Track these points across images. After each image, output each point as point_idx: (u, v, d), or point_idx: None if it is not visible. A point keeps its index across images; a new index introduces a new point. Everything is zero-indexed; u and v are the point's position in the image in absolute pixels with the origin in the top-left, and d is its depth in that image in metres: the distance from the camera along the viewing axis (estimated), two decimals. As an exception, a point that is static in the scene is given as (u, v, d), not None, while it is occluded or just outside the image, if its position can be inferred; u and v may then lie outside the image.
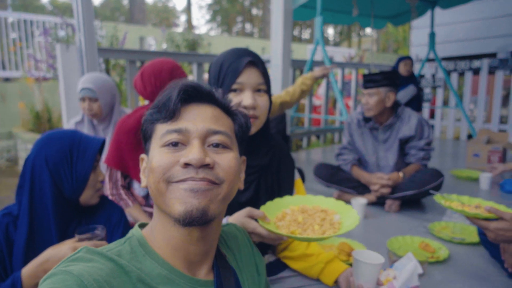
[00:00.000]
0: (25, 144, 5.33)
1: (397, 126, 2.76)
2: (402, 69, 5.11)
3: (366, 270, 1.22)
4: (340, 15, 5.76)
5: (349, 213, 1.02)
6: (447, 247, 2.04)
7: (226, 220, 1.05)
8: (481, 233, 1.84)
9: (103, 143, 1.22)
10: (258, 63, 1.19)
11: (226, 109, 0.79)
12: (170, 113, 0.71)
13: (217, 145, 0.72)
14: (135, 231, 0.75)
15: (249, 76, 1.17)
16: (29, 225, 1.09)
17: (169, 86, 0.76)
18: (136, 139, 1.95)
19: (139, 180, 1.94)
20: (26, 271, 1.01)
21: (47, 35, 4.83)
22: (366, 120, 2.85)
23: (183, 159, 0.68)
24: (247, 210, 1.02)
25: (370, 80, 2.68)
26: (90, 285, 0.58)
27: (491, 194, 3.06)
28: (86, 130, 2.41)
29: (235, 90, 1.17)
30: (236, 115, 0.80)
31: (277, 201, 1.11)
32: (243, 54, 1.19)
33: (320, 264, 1.33)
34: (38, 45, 6.65)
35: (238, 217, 1.01)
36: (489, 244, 1.81)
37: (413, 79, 5.17)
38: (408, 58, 5.17)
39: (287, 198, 1.13)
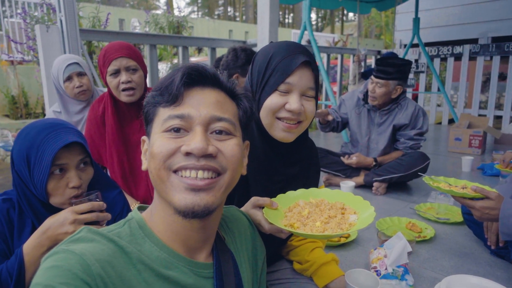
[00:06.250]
0: (1, 130, 5.14)
1: (395, 112, 2.79)
2: None
3: None
4: (327, -1, 5.74)
5: (365, 213, 0.92)
6: (433, 226, 2.11)
7: None
8: (465, 212, 1.91)
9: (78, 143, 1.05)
10: (313, 64, 1.05)
11: (230, 93, 0.76)
12: (172, 98, 0.68)
13: (220, 132, 0.70)
14: (134, 213, 0.74)
15: (300, 78, 1.03)
16: (19, 213, 1.08)
17: (173, 68, 0.73)
18: (104, 127, 1.84)
19: (112, 170, 1.87)
20: (29, 243, 0.99)
21: (25, 16, 4.61)
22: (367, 100, 2.86)
23: (184, 147, 0.66)
24: (253, 199, 0.98)
25: (383, 71, 2.63)
26: (92, 264, 0.58)
27: (473, 177, 3.16)
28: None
29: (281, 90, 1.04)
30: (241, 100, 0.78)
31: (301, 191, 1.04)
32: (298, 51, 1.04)
33: (314, 266, 1.30)
34: (10, 26, 6.34)
35: (246, 209, 0.98)
36: (473, 223, 1.88)
37: None
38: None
39: (312, 190, 1.05)
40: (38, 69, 5.48)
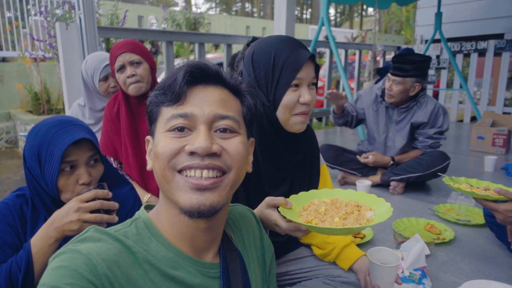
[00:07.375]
0: (25, 125, 5.28)
1: (413, 110, 2.70)
2: None
3: (383, 273, 1.20)
4: (345, -6, 5.64)
5: (382, 209, 0.93)
6: (453, 228, 2.05)
7: None
8: (488, 215, 1.84)
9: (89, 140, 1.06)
10: (314, 57, 1.15)
11: (234, 90, 0.75)
12: (175, 96, 0.68)
13: (224, 130, 0.69)
14: (141, 213, 0.74)
15: (307, 71, 1.12)
16: (32, 209, 1.11)
17: (176, 66, 0.72)
18: (119, 122, 1.89)
19: (128, 165, 1.90)
20: (37, 235, 1.01)
21: (46, 14, 4.72)
22: (384, 97, 2.77)
23: (188, 146, 0.65)
24: (268, 200, 0.98)
25: (399, 68, 2.55)
26: (98, 264, 0.58)
27: (496, 177, 3.05)
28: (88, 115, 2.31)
29: (293, 85, 1.11)
30: (245, 97, 0.76)
31: (313, 191, 1.05)
32: (298, 46, 1.13)
33: (336, 250, 1.31)
34: (34, 23, 6.50)
35: (260, 209, 0.98)
36: (496, 226, 1.81)
37: None
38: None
39: (324, 190, 1.06)
40: (59, 66, 5.60)
